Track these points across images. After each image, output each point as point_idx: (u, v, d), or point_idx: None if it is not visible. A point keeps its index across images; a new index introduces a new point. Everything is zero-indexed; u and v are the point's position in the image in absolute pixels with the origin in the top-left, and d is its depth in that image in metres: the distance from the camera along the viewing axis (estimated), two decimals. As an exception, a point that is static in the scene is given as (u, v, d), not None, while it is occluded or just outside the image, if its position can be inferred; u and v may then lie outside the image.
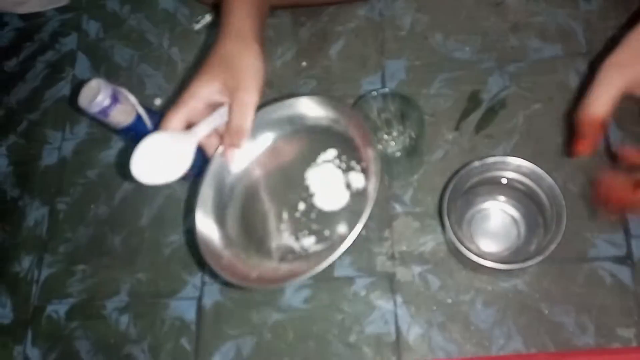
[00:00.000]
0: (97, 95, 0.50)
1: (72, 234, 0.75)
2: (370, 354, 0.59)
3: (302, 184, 0.49)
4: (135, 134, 0.56)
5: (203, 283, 0.67)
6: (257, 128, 0.49)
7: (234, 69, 0.46)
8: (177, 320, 0.66)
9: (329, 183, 0.48)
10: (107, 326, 0.68)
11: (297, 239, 0.48)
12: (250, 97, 0.45)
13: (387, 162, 0.62)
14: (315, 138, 0.50)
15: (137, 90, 0.80)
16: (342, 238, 0.42)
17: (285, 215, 0.49)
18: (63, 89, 0.85)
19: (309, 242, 0.48)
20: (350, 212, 0.46)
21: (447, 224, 0.50)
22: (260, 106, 0.49)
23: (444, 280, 0.59)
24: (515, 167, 0.50)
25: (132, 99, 0.53)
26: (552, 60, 0.64)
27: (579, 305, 0.55)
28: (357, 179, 0.48)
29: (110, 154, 0.78)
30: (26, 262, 0.76)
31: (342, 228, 0.46)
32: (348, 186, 0.48)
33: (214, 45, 0.48)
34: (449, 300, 0.58)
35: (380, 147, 0.64)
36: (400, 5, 0.73)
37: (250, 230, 0.50)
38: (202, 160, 0.55)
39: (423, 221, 0.62)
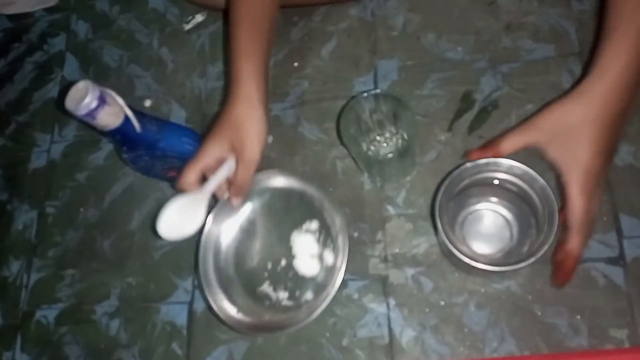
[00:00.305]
0: (84, 98, 0.50)
1: (61, 237, 0.74)
2: (363, 358, 0.58)
3: (287, 244, 0.61)
4: (123, 136, 0.55)
5: (194, 287, 0.67)
6: (262, 190, 0.62)
7: (242, 133, 0.54)
8: (168, 324, 0.66)
9: (307, 252, 0.60)
10: (97, 331, 0.68)
11: (274, 289, 0.60)
12: (253, 156, 0.55)
13: (379, 164, 0.61)
14: (305, 206, 0.61)
15: (127, 91, 0.79)
16: (307, 302, 0.58)
17: (269, 266, 0.61)
18: (52, 90, 0.84)
19: (283, 295, 0.60)
20: (317, 283, 0.59)
21: (439, 225, 0.49)
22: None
23: (437, 282, 0.59)
24: (507, 168, 0.49)
25: (120, 101, 0.53)
26: (545, 61, 0.64)
27: (572, 307, 0.54)
28: (329, 256, 0.60)
29: (99, 156, 0.78)
30: (15, 266, 0.75)
31: (309, 294, 0.59)
32: (321, 259, 0.60)
33: (226, 108, 0.56)
34: (442, 303, 0.58)
35: (372, 148, 0.63)
36: (393, 5, 0.72)
37: (239, 271, 0.61)
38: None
39: (416, 223, 0.62)
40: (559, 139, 0.44)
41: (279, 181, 0.62)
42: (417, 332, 0.58)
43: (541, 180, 0.47)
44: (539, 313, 0.55)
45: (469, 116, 0.64)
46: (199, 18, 0.81)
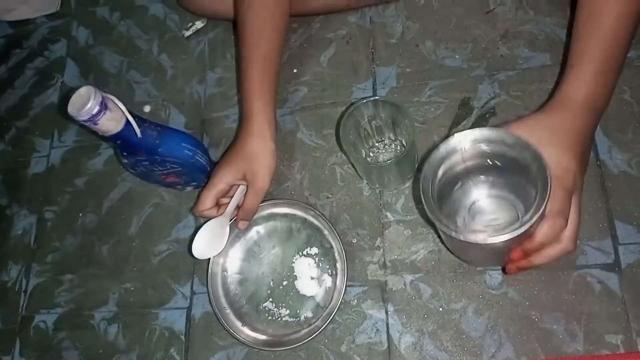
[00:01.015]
0: (86, 103, 0.50)
1: (60, 243, 0.75)
2: (361, 363, 0.59)
3: (289, 266, 0.65)
4: (123, 141, 0.56)
5: (192, 293, 0.67)
6: (267, 216, 0.67)
7: (254, 164, 0.61)
8: (167, 330, 0.66)
9: (307, 274, 0.64)
10: (95, 336, 0.68)
11: (276, 306, 0.64)
12: (264, 185, 0.61)
13: (378, 170, 0.62)
14: (306, 232, 0.66)
15: (127, 97, 0.79)
16: (307, 319, 0.62)
17: (272, 285, 0.65)
18: (52, 96, 0.85)
19: (284, 312, 0.63)
20: (316, 302, 0.63)
21: (427, 206, 0.45)
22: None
23: (435, 288, 0.59)
24: (498, 138, 0.46)
25: (122, 106, 0.53)
26: (541, 69, 0.64)
27: (569, 313, 0.55)
28: (328, 279, 0.63)
29: (98, 162, 0.78)
30: (14, 271, 0.75)
31: (309, 313, 0.62)
32: (320, 281, 0.63)
33: (239, 141, 0.63)
34: (441, 309, 0.58)
35: (371, 154, 0.64)
36: (391, 13, 0.73)
37: (244, 289, 0.65)
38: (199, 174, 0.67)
39: (415, 229, 0.62)
40: (545, 141, 0.46)
41: (283, 208, 0.66)
42: (415, 338, 0.58)
43: (534, 146, 0.44)
44: (536, 319, 0.55)
45: (467, 123, 0.65)
46: (199, 25, 0.81)
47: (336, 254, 0.63)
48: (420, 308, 0.59)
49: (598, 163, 0.59)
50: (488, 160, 0.49)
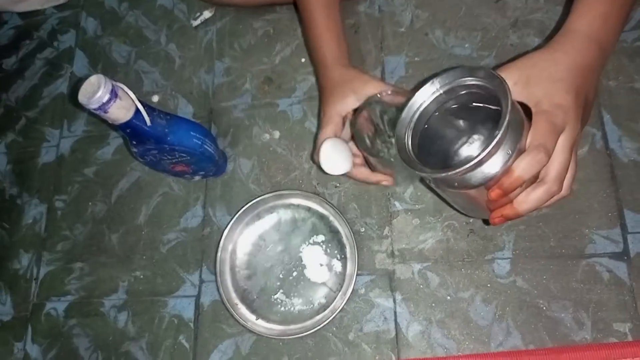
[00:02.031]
0: (96, 92, 0.51)
1: (70, 231, 0.75)
2: (369, 352, 0.59)
3: (297, 256, 0.65)
4: (133, 130, 0.56)
5: (201, 281, 0.67)
6: (271, 208, 0.67)
7: (352, 86, 0.58)
8: (176, 318, 0.66)
9: (316, 261, 0.64)
10: (105, 323, 0.68)
11: (287, 296, 0.64)
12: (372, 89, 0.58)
13: (390, 167, 0.60)
14: (311, 220, 0.66)
15: (135, 86, 0.79)
16: (321, 305, 0.62)
17: (281, 276, 0.65)
18: (61, 86, 0.85)
19: (297, 301, 0.63)
20: (329, 287, 0.63)
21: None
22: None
23: (443, 277, 0.59)
24: (471, 72, 0.44)
25: (132, 95, 0.53)
26: (551, 57, 0.64)
27: (577, 301, 0.55)
28: (337, 264, 0.63)
29: (107, 151, 0.78)
30: (25, 259, 0.76)
31: (322, 299, 0.63)
32: (330, 267, 0.64)
33: (324, 76, 0.62)
34: (448, 297, 0.58)
35: (385, 150, 0.63)
36: (400, 2, 0.73)
37: (254, 283, 0.65)
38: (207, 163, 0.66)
39: (423, 218, 0.62)
40: (534, 78, 0.44)
41: (286, 199, 0.67)
42: (423, 326, 0.58)
43: (496, 73, 0.43)
44: (544, 307, 0.55)
45: (475, 112, 0.64)
46: (207, 14, 0.81)
47: (344, 239, 0.64)
48: (428, 297, 0.59)
49: (608, 152, 0.59)
50: (465, 101, 0.47)
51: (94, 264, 0.72)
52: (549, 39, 0.65)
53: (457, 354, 0.56)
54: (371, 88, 0.57)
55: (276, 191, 0.66)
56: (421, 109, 0.47)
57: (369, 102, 0.56)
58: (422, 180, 0.62)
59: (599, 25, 0.46)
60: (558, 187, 0.42)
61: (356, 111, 0.58)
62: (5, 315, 0.73)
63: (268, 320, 0.63)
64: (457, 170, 0.40)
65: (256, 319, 0.63)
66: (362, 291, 0.61)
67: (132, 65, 0.83)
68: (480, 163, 0.39)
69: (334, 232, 0.65)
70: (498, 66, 0.50)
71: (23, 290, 0.74)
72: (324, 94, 0.62)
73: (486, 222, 0.60)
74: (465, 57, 0.67)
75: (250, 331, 0.62)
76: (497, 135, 0.38)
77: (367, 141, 0.58)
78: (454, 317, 0.58)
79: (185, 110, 0.77)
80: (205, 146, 0.64)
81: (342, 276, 0.62)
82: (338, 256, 0.64)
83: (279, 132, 0.71)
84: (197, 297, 0.67)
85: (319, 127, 0.59)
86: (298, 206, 0.67)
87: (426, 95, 0.47)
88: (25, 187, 0.80)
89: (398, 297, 0.60)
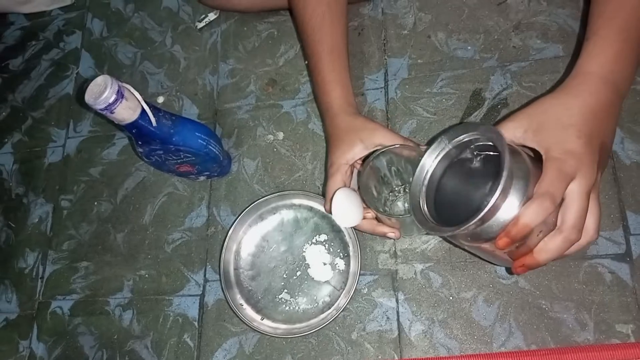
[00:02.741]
0: (103, 92, 0.51)
1: (76, 231, 0.76)
2: (372, 351, 0.59)
3: (300, 255, 0.65)
4: (139, 130, 0.57)
5: (205, 281, 0.68)
6: (273, 209, 0.68)
7: (360, 135, 0.57)
8: (180, 317, 0.67)
9: (319, 260, 0.65)
10: (110, 322, 0.69)
11: (291, 296, 0.64)
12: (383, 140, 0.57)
13: (395, 219, 0.58)
14: (313, 220, 0.66)
15: (140, 88, 0.80)
16: (325, 303, 0.63)
17: (285, 276, 0.65)
18: (67, 86, 0.86)
19: (302, 300, 0.64)
20: (332, 286, 0.63)
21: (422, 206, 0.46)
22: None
23: (445, 277, 0.60)
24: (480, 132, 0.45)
25: (138, 95, 0.54)
26: (554, 60, 0.64)
27: (579, 302, 0.55)
28: (340, 263, 0.64)
29: (112, 151, 0.79)
30: (31, 258, 0.76)
31: (326, 297, 0.63)
32: (333, 265, 0.64)
33: (331, 124, 0.60)
34: (451, 298, 0.59)
35: (393, 199, 0.63)
36: (403, 4, 0.73)
37: (258, 284, 0.66)
38: (212, 164, 0.67)
39: (425, 219, 0.62)
40: (545, 124, 0.44)
41: (288, 200, 0.67)
42: (425, 326, 0.59)
43: (493, 127, 0.43)
44: (547, 308, 0.56)
45: (478, 114, 0.65)
46: (212, 16, 0.82)
47: (346, 237, 0.64)
48: (431, 297, 0.60)
49: (610, 154, 0.59)
50: (475, 154, 0.48)
51: (99, 263, 0.73)
52: (550, 40, 0.65)
53: (460, 354, 0.57)
54: (379, 137, 0.56)
55: (279, 192, 0.67)
56: (433, 166, 0.48)
57: (376, 153, 0.55)
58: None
59: (612, 66, 0.45)
60: (577, 235, 0.41)
61: (364, 161, 0.57)
62: (11, 313, 0.74)
63: (273, 320, 0.63)
64: (463, 227, 0.40)
65: (261, 319, 0.63)
66: (365, 291, 0.62)
67: (138, 67, 0.83)
68: (483, 218, 0.40)
69: (336, 231, 0.65)
70: (511, 113, 0.50)
71: (29, 289, 0.75)
72: (331, 143, 0.60)
73: (510, 270, 0.58)
74: (468, 60, 0.68)
75: (255, 331, 0.62)
76: (496, 191, 0.39)
77: (374, 192, 0.58)
78: (457, 317, 0.58)
79: (190, 111, 0.78)
80: (210, 147, 0.65)
81: (345, 274, 0.63)
82: (341, 254, 0.64)
83: (282, 133, 0.72)
84: (202, 296, 0.67)
85: (327, 176, 0.58)
86: (300, 206, 0.67)
87: (436, 152, 0.48)
88: (31, 186, 0.81)
89: (401, 297, 0.60)
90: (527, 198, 0.41)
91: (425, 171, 0.48)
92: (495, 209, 0.40)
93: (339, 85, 0.61)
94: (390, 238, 0.60)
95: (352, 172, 0.59)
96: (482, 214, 0.39)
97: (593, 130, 0.43)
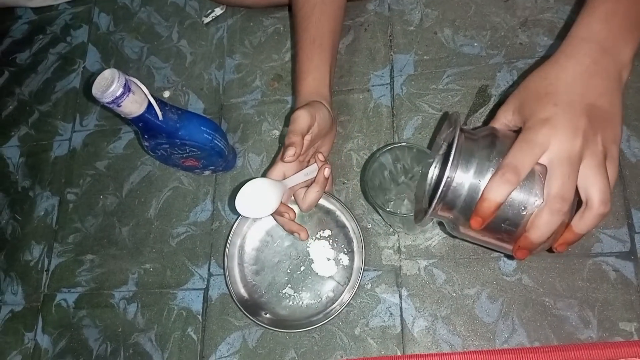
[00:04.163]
0: (110, 86, 0.51)
1: (81, 224, 0.76)
2: (375, 346, 0.60)
3: (304, 250, 0.66)
4: (145, 124, 0.57)
5: (209, 275, 0.68)
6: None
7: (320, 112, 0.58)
8: (184, 310, 0.67)
9: (324, 256, 0.65)
10: (115, 315, 0.70)
11: (295, 291, 0.64)
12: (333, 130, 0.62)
13: (402, 219, 0.58)
14: (318, 215, 0.66)
15: (146, 82, 0.79)
16: (329, 298, 0.63)
17: (289, 271, 0.65)
18: (74, 80, 0.86)
19: (306, 295, 0.64)
20: (336, 281, 0.63)
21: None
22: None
23: (449, 274, 0.60)
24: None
25: (144, 89, 0.54)
26: (560, 57, 0.64)
27: (583, 300, 0.55)
28: (344, 258, 0.64)
29: (118, 145, 0.79)
30: (37, 251, 0.77)
31: (329, 292, 0.63)
32: (337, 261, 0.64)
33: (297, 103, 0.62)
34: (454, 294, 0.59)
35: (398, 195, 0.62)
36: (410, 0, 0.73)
37: (262, 278, 0.66)
38: (217, 158, 0.67)
39: (429, 215, 0.62)
40: (525, 100, 0.43)
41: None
42: (429, 322, 0.59)
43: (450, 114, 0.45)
44: (550, 305, 0.56)
45: (484, 111, 0.65)
46: (218, 12, 0.82)
47: (350, 233, 0.64)
48: (434, 293, 0.60)
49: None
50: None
51: (104, 256, 0.73)
52: (558, 38, 0.65)
53: (462, 350, 0.57)
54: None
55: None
56: (435, 173, 0.49)
57: (382, 153, 0.55)
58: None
59: (598, 25, 0.42)
60: (561, 204, 0.39)
61: (369, 160, 0.57)
62: (16, 305, 0.75)
63: (277, 314, 0.64)
64: (430, 209, 0.42)
65: (265, 314, 0.64)
66: (369, 286, 0.62)
67: (144, 61, 0.84)
68: (443, 196, 0.41)
69: (340, 227, 0.65)
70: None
71: (34, 281, 0.75)
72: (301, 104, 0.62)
73: (510, 257, 0.59)
74: (474, 56, 0.67)
75: (259, 325, 0.63)
76: (447, 167, 0.40)
77: (377, 192, 0.58)
78: (460, 314, 0.58)
79: (196, 105, 0.78)
80: (216, 141, 0.65)
81: (349, 269, 0.63)
82: (345, 250, 0.64)
83: (287, 129, 0.72)
84: (206, 290, 0.68)
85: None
86: None
87: (435, 158, 0.50)
88: (37, 179, 0.82)
89: (404, 293, 0.61)
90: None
91: (430, 177, 0.49)
92: (448, 184, 0.41)
93: (311, 75, 0.62)
94: (298, 238, 0.60)
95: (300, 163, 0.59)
96: (439, 192, 0.40)
97: (574, 94, 0.40)
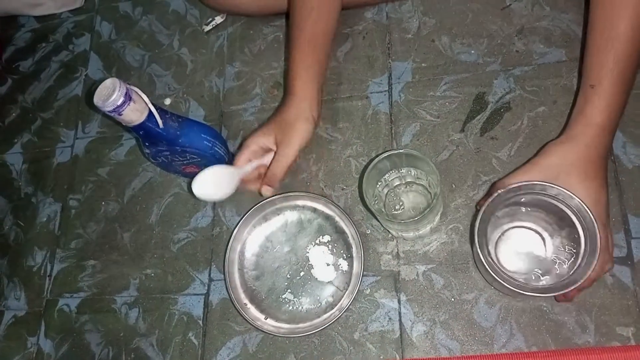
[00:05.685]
0: (111, 95, 0.52)
1: (83, 230, 0.77)
2: (374, 351, 0.60)
3: (304, 256, 0.66)
4: (146, 132, 0.58)
5: (210, 280, 0.69)
6: (278, 210, 0.69)
7: (287, 130, 0.64)
8: (185, 315, 0.68)
9: (323, 261, 0.66)
10: (116, 320, 0.70)
11: (295, 296, 0.65)
12: (289, 152, 0.63)
13: (400, 224, 0.58)
14: (317, 221, 0.67)
15: (147, 90, 0.81)
16: (328, 303, 0.63)
17: (288, 276, 0.66)
18: (76, 88, 0.87)
19: (305, 300, 0.65)
20: (335, 286, 0.64)
21: (482, 258, 0.50)
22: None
23: (447, 279, 0.60)
24: (540, 189, 0.51)
25: (145, 98, 0.55)
26: (557, 64, 0.65)
27: (580, 305, 0.55)
28: (343, 264, 0.65)
29: (120, 152, 0.80)
30: (39, 256, 0.78)
31: (329, 297, 0.64)
32: (336, 266, 0.65)
33: (278, 110, 0.67)
34: (453, 299, 0.59)
35: (393, 196, 0.63)
36: (408, 9, 0.74)
37: (262, 283, 0.67)
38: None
39: (427, 221, 0.63)
40: (558, 178, 0.51)
41: (292, 201, 0.68)
42: (427, 327, 0.59)
43: (577, 199, 0.49)
44: (547, 310, 0.56)
45: (481, 118, 0.65)
46: (218, 20, 0.83)
47: (349, 239, 0.65)
48: (433, 298, 0.60)
49: (612, 158, 0.60)
50: (522, 207, 0.55)
51: (106, 262, 0.74)
52: (554, 45, 0.66)
53: (461, 355, 0.57)
54: (285, 146, 0.63)
55: (283, 193, 0.68)
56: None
57: (380, 160, 0.55)
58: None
59: (614, 112, 0.52)
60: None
61: (367, 167, 0.57)
62: (19, 310, 0.75)
63: (277, 319, 0.64)
64: (555, 294, 0.50)
65: (265, 319, 0.64)
66: (368, 292, 0.62)
67: (145, 69, 0.84)
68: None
69: (339, 233, 0.66)
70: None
71: (37, 287, 0.76)
72: (271, 117, 0.67)
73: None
74: (471, 64, 0.68)
75: (259, 330, 0.63)
76: (583, 277, 0.48)
77: (374, 196, 0.59)
78: (458, 319, 0.59)
79: (197, 113, 0.79)
80: (216, 148, 0.66)
81: (348, 275, 0.64)
82: (344, 255, 0.65)
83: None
84: (206, 295, 0.68)
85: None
86: (304, 207, 0.68)
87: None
88: (40, 186, 0.82)
89: (403, 298, 0.61)
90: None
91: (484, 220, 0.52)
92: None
93: (304, 78, 0.65)
94: (264, 195, 0.65)
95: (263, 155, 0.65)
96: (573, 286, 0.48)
97: (594, 178, 0.51)
